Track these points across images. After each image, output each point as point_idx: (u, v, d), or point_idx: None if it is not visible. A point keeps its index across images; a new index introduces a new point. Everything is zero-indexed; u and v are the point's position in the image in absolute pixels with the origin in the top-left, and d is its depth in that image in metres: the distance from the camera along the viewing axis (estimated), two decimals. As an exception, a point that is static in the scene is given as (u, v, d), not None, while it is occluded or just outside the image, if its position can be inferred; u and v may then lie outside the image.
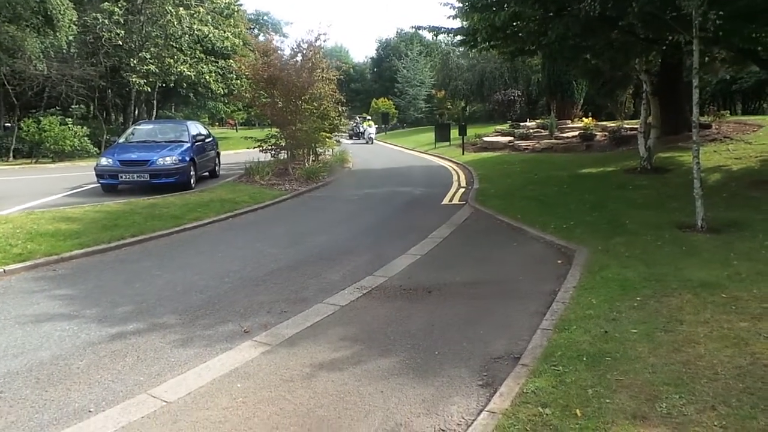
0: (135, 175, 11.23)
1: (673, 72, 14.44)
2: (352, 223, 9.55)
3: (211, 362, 4.23)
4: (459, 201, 11.35)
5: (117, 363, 4.20)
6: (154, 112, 26.25)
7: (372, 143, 32.49)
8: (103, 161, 11.41)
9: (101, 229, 8.18)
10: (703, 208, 7.26)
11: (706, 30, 7.77)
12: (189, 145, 12.32)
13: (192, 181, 12.03)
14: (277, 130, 15.54)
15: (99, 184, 11.52)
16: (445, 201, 11.49)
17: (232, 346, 4.49)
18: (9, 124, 22.51)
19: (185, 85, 24.84)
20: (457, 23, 9.72)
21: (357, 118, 41.19)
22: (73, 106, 22.10)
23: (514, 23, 8.57)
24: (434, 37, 10.92)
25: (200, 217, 9.50)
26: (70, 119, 20.27)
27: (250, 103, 16.80)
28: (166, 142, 12.35)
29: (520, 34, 9.25)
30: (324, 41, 16.90)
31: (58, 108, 21.74)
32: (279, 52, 14.93)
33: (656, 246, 6.62)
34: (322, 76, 16.80)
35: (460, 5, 9.24)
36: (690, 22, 6.83)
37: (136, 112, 25.56)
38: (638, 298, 4.85)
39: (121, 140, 12.91)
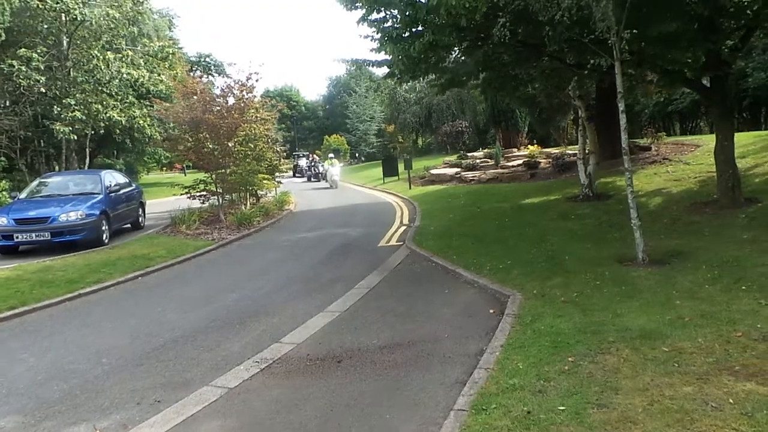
0: (33, 235, 10.00)
1: (608, 96, 14.35)
2: (274, 274, 8.66)
3: (34, 491, 3.27)
4: (397, 242, 10.63)
5: None
6: (87, 161, 24.77)
7: (336, 186, 25.46)
8: (-5, 221, 10.20)
9: (-29, 303, 7.04)
10: (642, 240, 6.76)
11: (629, 53, 7.47)
12: (101, 197, 11.21)
13: (105, 236, 10.89)
14: (206, 174, 14.60)
15: (-5, 246, 10.28)
16: (383, 242, 10.76)
17: (72, 462, 3.53)
18: None
19: (118, 131, 23.61)
20: (381, 56, 9.19)
21: (314, 156, 37.01)
22: (-9, 159, 20.56)
23: (432, 54, 8.11)
24: (357, 70, 10.34)
25: (102, 279, 8.43)
26: (-14, 173, 18.74)
27: (171, 147, 15.87)
28: (74, 195, 11.20)
29: (442, 65, 8.82)
30: (256, 80, 16.22)
31: (-26, 162, 20.17)
32: (201, 94, 14.10)
33: (595, 286, 6.02)
34: (256, 116, 16.11)
35: (380, 36, 8.74)
36: (610, 46, 6.44)
37: (67, 162, 24.05)
38: (570, 359, 4.15)
39: (23, 195, 11.67)
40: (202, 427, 3.90)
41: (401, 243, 10.34)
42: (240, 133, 14.94)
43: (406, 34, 8.50)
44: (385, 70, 9.76)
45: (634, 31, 6.05)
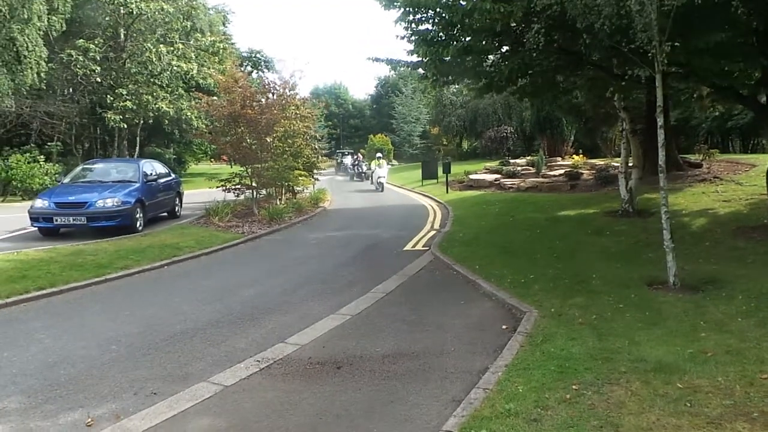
0: (71, 218, 10.43)
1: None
2: (295, 272, 8.68)
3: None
4: (423, 247, 10.47)
5: None
6: (137, 149, 25.75)
7: (382, 189, 23.21)
8: (38, 203, 10.66)
9: (4, 281, 7.33)
10: (675, 263, 6.36)
11: (676, 65, 7.07)
12: (138, 185, 11.58)
13: (139, 223, 11.22)
14: (242, 168, 14.84)
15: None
16: (408, 246, 10.62)
17: (57, 449, 3.58)
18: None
19: (167, 121, 24.40)
20: (415, 57, 9.05)
21: (359, 155, 35.20)
22: (49, 143, 21.64)
23: (468, 57, 7.90)
24: (392, 70, 10.26)
25: (130, 265, 8.65)
26: (41, 156, 19.73)
27: (212, 140, 16.22)
28: (113, 182, 11.62)
29: (478, 69, 8.60)
30: (299, 78, 16.42)
31: (33, 145, 21.26)
32: (241, 89, 14.31)
33: (617, 309, 5.69)
34: (296, 113, 16.25)
35: (415, 38, 8.61)
36: (651, 57, 6.09)
37: (119, 149, 25.05)
38: (574, 387, 3.92)
39: (66, 180, 12.21)
40: (190, 425, 3.88)
41: (427, 248, 10.17)
42: (279, 129, 15.09)
43: (442, 36, 8.36)
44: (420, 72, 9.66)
45: (678, 42, 5.66)
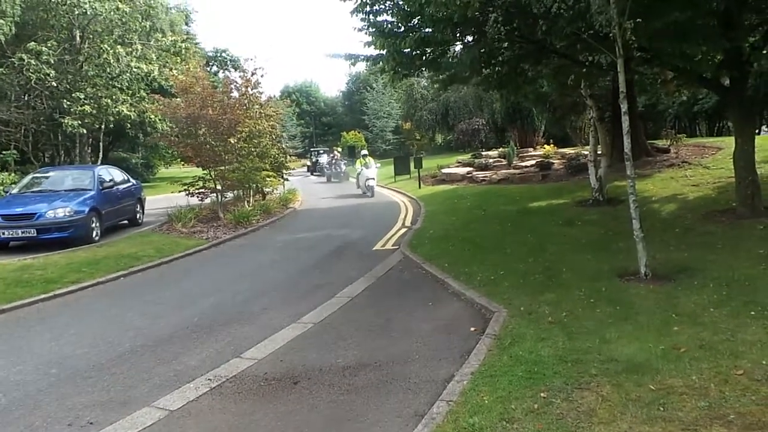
0: (19, 231, 9.82)
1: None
2: (258, 278, 8.31)
3: None
4: (392, 246, 10.18)
5: None
6: (100, 155, 24.84)
7: (373, 194, 19.60)
8: (-18, 216, 10.04)
9: (-62, 303, 6.83)
10: (645, 253, 6.19)
11: (637, 49, 6.89)
12: (93, 193, 11.01)
13: (95, 233, 10.67)
14: (205, 171, 14.34)
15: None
16: (378, 246, 10.32)
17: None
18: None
19: (128, 125, 23.56)
20: (373, 50, 8.72)
21: (336, 153, 30.92)
22: (4, 152, 20.71)
23: (427, 49, 7.62)
24: (352, 65, 9.95)
25: (82, 279, 8.18)
26: (-5, 166, 18.85)
27: (170, 143, 15.69)
28: (66, 191, 11.02)
29: (440, 61, 8.33)
30: (261, 76, 15.94)
31: (-14, 154, 20.30)
32: (203, 89, 13.79)
33: (588, 305, 5.49)
34: (260, 113, 15.79)
35: (373, 30, 8.29)
36: (612, 42, 5.89)
37: (80, 156, 24.10)
38: (543, 395, 3.67)
39: (15, 190, 11.55)
40: (126, 459, 3.53)
41: (397, 247, 9.89)
42: (243, 129, 14.60)
43: (401, 28, 8.06)
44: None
45: (638, 20, 5.46)
